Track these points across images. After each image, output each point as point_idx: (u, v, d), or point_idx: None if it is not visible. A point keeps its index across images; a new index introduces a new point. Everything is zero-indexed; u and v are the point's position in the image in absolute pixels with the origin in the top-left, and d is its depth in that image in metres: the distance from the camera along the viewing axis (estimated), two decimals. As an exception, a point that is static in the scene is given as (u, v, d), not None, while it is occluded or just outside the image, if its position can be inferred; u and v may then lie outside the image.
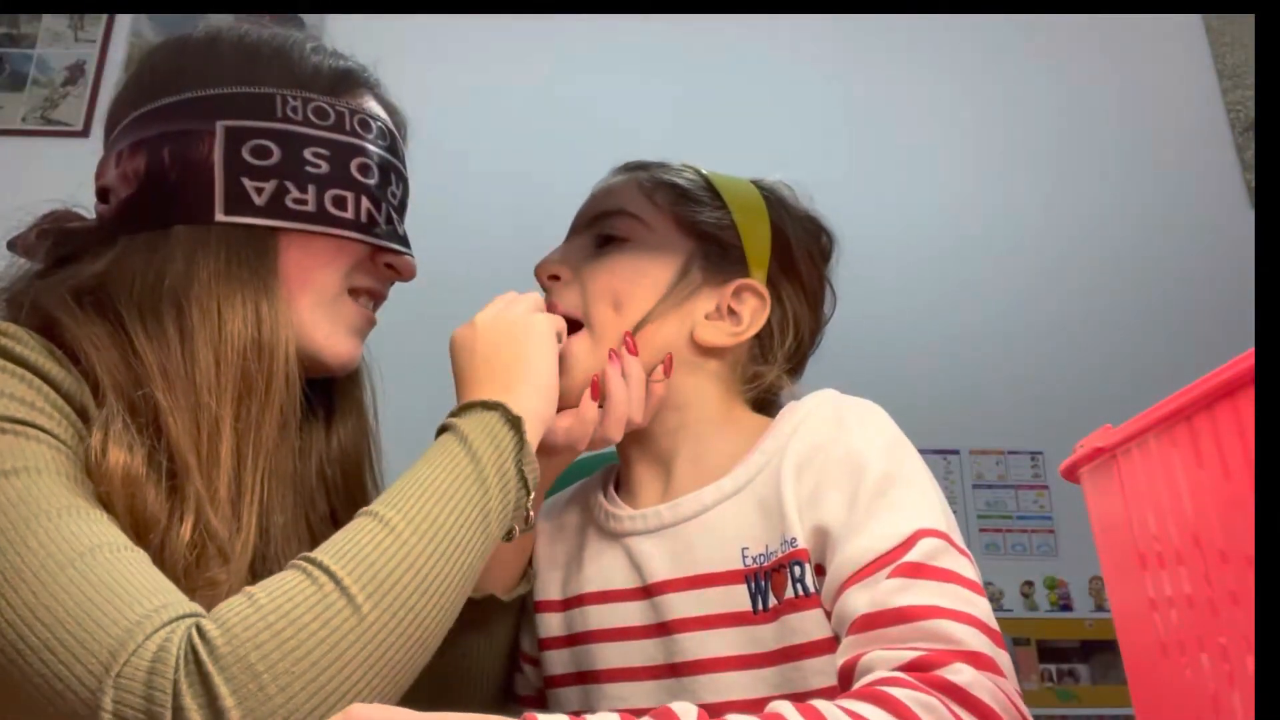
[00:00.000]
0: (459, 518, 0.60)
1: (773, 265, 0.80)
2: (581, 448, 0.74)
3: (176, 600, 0.55)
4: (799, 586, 0.66)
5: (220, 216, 0.69)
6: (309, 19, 2.46)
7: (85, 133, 2.26)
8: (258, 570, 0.70)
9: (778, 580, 0.67)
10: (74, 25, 2.47)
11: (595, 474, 0.85)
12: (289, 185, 0.70)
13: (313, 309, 0.73)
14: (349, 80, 0.76)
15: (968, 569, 0.63)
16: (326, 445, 0.80)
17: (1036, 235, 2.34)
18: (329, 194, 0.71)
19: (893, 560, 0.62)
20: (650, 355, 0.76)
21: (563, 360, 0.75)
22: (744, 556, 0.69)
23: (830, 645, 0.65)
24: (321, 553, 0.57)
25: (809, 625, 0.66)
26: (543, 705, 0.79)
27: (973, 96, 2.46)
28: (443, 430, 0.66)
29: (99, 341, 0.65)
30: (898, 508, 0.64)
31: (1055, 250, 2.32)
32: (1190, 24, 2.55)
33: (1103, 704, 1.99)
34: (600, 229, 0.81)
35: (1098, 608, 2.06)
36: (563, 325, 0.75)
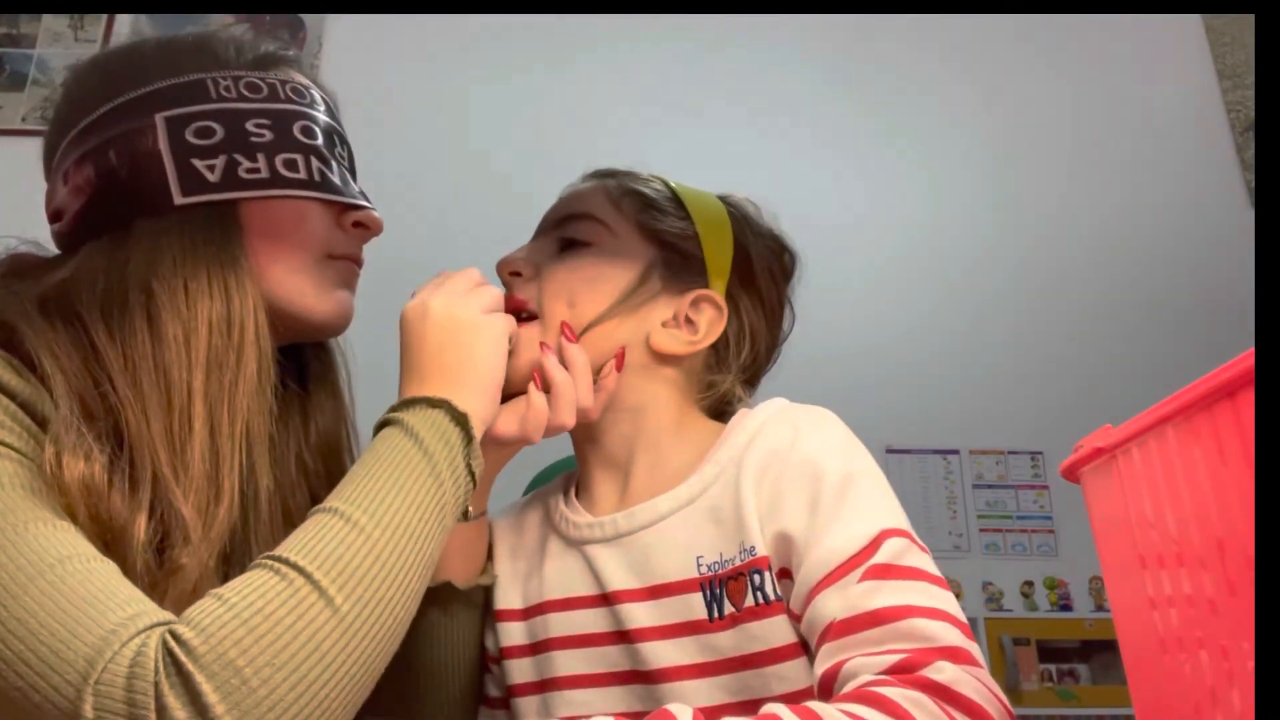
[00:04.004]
0: (419, 512, 0.62)
1: (733, 278, 0.80)
2: (535, 438, 0.74)
3: (149, 608, 0.55)
4: (759, 595, 0.67)
5: (179, 200, 0.69)
6: (309, 19, 2.46)
7: (85, 133, 2.26)
8: (235, 555, 0.70)
9: (734, 588, 0.68)
10: (74, 25, 2.47)
11: (555, 480, 0.85)
12: (239, 158, 0.71)
13: (291, 274, 0.73)
14: (272, 58, 0.78)
15: (930, 564, 0.65)
16: (304, 433, 0.81)
17: (1037, 235, 2.34)
18: (279, 158, 0.72)
19: (861, 562, 0.63)
20: (602, 355, 0.76)
21: (511, 347, 0.76)
22: (699, 565, 0.70)
23: (792, 651, 0.66)
24: (288, 551, 0.57)
25: (770, 633, 0.66)
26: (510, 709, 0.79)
27: (973, 97, 2.46)
28: (386, 424, 0.67)
29: (59, 349, 0.65)
30: (860, 509, 0.66)
31: (1056, 250, 2.32)
32: (1190, 24, 2.55)
33: (1103, 704, 1.99)
34: (565, 232, 0.81)
35: (1098, 608, 2.06)
36: (515, 326, 0.75)
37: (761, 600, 0.67)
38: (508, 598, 0.79)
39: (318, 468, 0.80)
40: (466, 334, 0.71)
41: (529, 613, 0.77)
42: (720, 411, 0.81)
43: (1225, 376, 0.41)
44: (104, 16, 2.47)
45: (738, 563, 0.68)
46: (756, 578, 0.67)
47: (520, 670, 0.76)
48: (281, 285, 0.73)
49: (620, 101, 2.40)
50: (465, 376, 0.69)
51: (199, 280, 0.68)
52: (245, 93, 0.73)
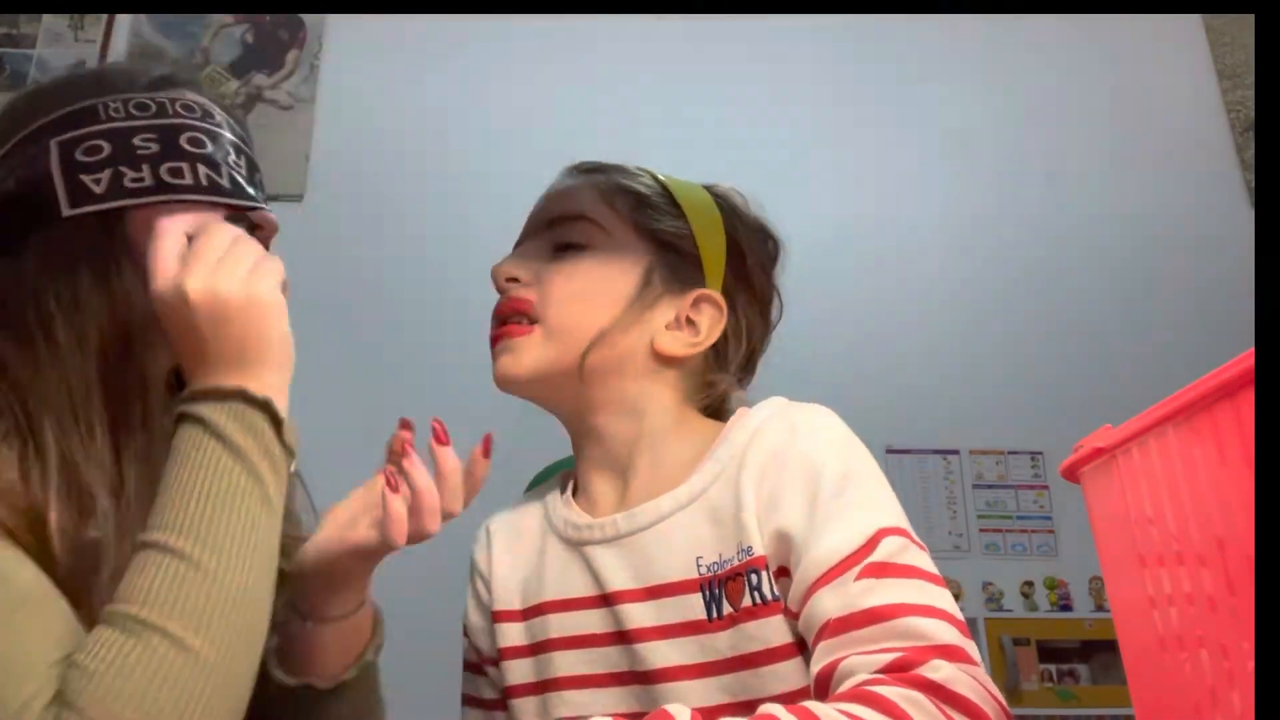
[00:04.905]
0: (245, 518, 0.62)
1: (727, 274, 0.80)
2: (399, 545, 0.67)
3: (43, 685, 0.56)
4: (756, 595, 0.67)
5: (66, 211, 0.72)
6: (309, 19, 2.46)
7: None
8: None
9: (733, 588, 0.68)
10: (74, 25, 2.47)
11: (552, 480, 0.85)
12: (124, 169, 0.73)
13: None
14: (167, 80, 0.80)
15: (928, 562, 0.65)
16: None
17: (1037, 235, 2.34)
18: (164, 167, 0.74)
19: (858, 561, 0.63)
20: (606, 363, 0.76)
21: (510, 355, 0.76)
22: (698, 565, 0.70)
23: (790, 651, 0.66)
24: (131, 604, 0.58)
25: (767, 632, 0.67)
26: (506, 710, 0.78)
27: (973, 97, 2.46)
28: (184, 418, 0.64)
29: None
30: (857, 507, 0.66)
31: (1056, 250, 2.32)
32: (1190, 24, 2.55)
33: (1103, 704, 1.99)
34: (558, 234, 0.80)
35: (1098, 608, 2.06)
36: (285, 276, 0.69)
37: (759, 600, 0.67)
38: (506, 598, 0.78)
39: None
40: (261, 315, 0.66)
41: (528, 613, 0.77)
42: (716, 409, 0.81)
43: (1225, 376, 0.41)
44: (104, 16, 2.46)
45: (735, 563, 0.68)
46: (754, 578, 0.67)
47: (519, 671, 0.76)
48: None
49: (621, 100, 2.39)
50: (261, 356, 0.66)
51: (81, 288, 0.70)
52: (133, 111, 0.75)
